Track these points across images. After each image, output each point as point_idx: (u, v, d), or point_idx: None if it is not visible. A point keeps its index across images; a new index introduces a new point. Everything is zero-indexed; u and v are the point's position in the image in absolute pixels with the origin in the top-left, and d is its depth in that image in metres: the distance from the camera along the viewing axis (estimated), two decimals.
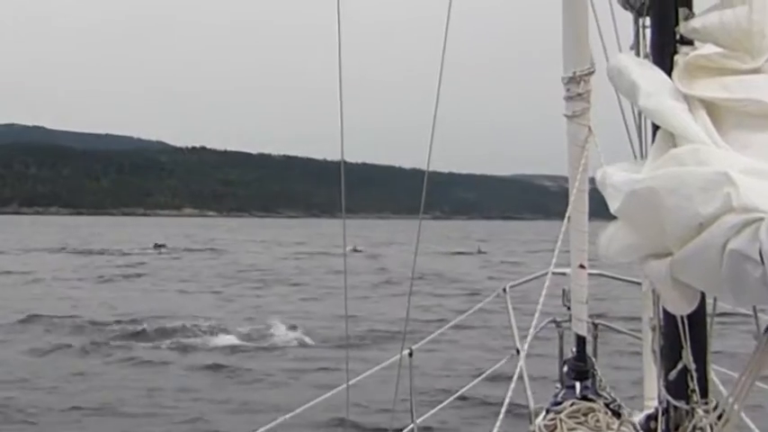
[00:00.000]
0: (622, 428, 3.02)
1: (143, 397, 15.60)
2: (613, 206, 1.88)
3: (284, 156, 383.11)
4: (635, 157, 2.83)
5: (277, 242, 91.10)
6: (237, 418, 13.92)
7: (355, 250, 61.32)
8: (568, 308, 5.26)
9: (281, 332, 22.48)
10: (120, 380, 17.13)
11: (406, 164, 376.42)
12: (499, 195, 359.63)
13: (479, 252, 70.83)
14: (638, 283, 4.72)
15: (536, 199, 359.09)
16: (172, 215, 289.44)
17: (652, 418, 2.75)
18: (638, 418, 3.15)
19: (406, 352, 5.27)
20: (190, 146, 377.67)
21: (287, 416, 4.85)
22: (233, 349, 20.69)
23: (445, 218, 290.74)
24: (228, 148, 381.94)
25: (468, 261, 60.20)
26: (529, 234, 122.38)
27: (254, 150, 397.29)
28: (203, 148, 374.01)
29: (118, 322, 24.35)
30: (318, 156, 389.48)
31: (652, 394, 3.83)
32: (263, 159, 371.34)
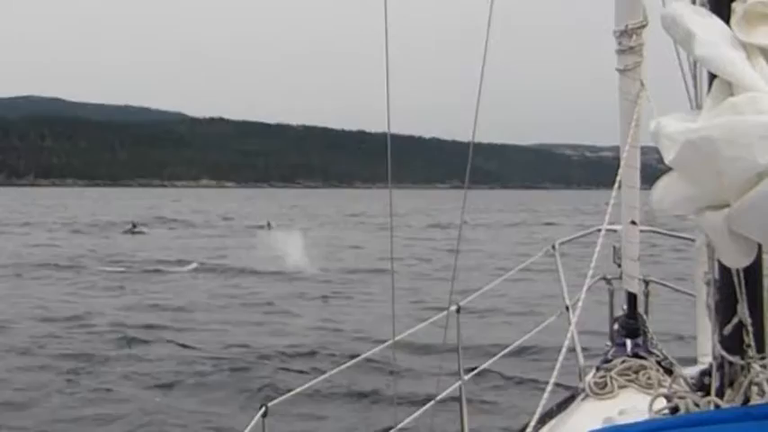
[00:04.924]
0: (674, 385, 2.79)
1: None
2: (668, 157, 1.84)
3: (302, 126, 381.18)
4: (691, 107, 2.61)
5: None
6: None
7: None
8: (619, 265, 5.27)
9: None
10: None
11: (426, 133, 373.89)
12: (520, 165, 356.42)
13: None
14: (690, 239, 4.80)
15: (557, 169, 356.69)
16: (189, 186, 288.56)
17: (706, 373, 2.61)
18: (691, 373, 2.86)
19: (453, 307, 5.25)
20: (208, 116, 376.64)
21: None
22: None
23: (463, 187, 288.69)
24: (247, 119, 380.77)
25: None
26: (551, 204, 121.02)
27: (272, 121, 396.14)
28: (221, 119, 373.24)
29: None
30: (336, 126, 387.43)
31: (705, 350, 3.98)
32: (282, 129, 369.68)
